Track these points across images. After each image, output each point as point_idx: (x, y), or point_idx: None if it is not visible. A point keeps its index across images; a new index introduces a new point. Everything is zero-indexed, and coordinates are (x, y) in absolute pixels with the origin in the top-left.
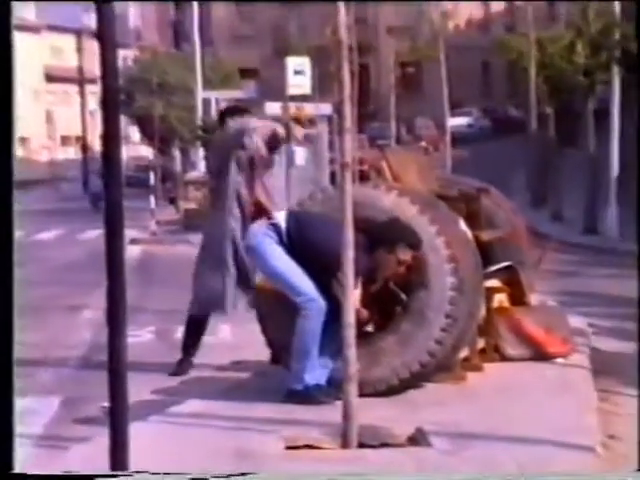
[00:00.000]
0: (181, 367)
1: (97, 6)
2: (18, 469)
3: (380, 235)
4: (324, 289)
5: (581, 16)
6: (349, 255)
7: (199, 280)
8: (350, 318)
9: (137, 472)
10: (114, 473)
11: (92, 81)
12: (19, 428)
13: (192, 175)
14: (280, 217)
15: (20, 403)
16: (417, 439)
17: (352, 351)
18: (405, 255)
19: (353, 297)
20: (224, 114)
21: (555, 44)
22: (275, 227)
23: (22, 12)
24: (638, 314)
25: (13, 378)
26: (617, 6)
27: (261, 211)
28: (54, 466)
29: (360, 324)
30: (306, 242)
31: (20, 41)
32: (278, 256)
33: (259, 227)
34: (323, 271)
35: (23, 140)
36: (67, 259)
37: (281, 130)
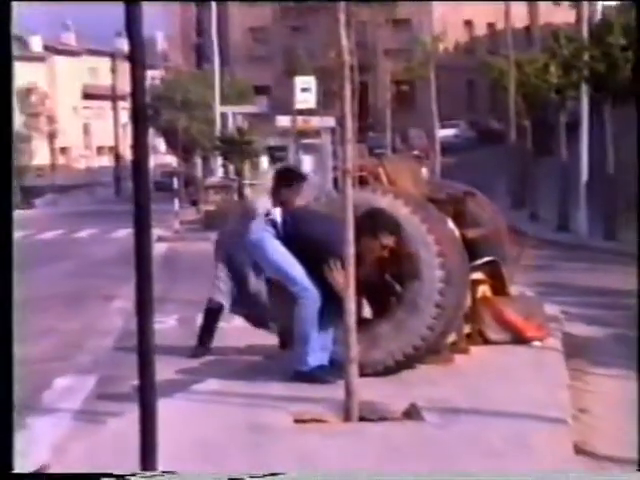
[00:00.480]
0: (199, 351)
1: (128, 32)
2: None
3: (363, 224)
4: (318, 277)
5: (554, 41)
6: (350, 251)
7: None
8: (351, 305)
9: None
10: (118, 473)
11: (123, 98)
12: (61, 403)
13: (211, 180)
14: (276, 213)
15: (61, 382)
16: (411, 414)
17: (353, 336)
18: (387, 240)
19: (338, 283)
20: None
21: (531, 65)
22: (272, 222)
23: (66, 39)
24: (638, 313)
25: (13, 379)
26: (585, 32)
27: (284, 202)
28: (92, 438)
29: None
30: (300, 233)
31: (62, 64)
32: (276, 249)
33: (259, 223)
34: (316, 259)
35: (64, 150)
36: (101, 255)
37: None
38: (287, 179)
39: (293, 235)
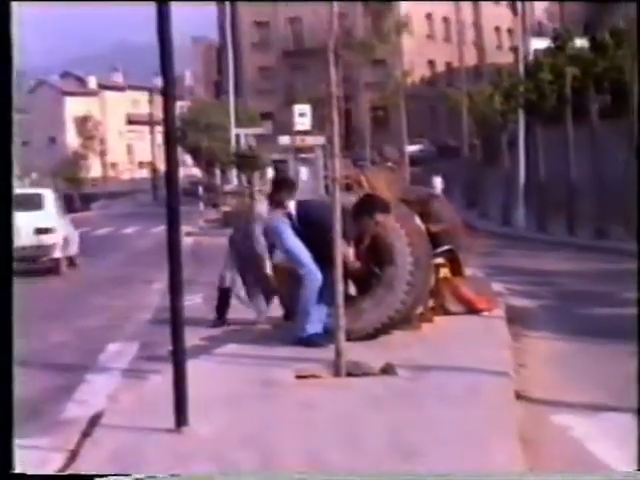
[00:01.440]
0: (218, 322)
1: (162, 71)
2: (19, 469)
3: (362, 206)
4: (321, 264)
5: (498, 76)
6: (338, 243)
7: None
8: (340, 287)
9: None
10: (114, 474)
11: (159, 123)
12: (113, 364)
13: (228, 187)
14: (291, 206)
15: (113, 347)
16: (387, 370)
17: (341, 310)
18: (380, 218)
19: (348, 256)
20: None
21: (480, 95)
22: (288, 215)
23: (114, 78)
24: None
25: (13, 379)
26: (521, 69)
27: (279, 203)
28: (137, 390)
29: (353, 273)
30: (310, 220)
31: (111, 97)
32: (290, 236)
33: (278, 214)
34: (320, 244)
35: (112, 165)
36: (142, 247)
37: None
38: (281, 185)
39: (304, 221)
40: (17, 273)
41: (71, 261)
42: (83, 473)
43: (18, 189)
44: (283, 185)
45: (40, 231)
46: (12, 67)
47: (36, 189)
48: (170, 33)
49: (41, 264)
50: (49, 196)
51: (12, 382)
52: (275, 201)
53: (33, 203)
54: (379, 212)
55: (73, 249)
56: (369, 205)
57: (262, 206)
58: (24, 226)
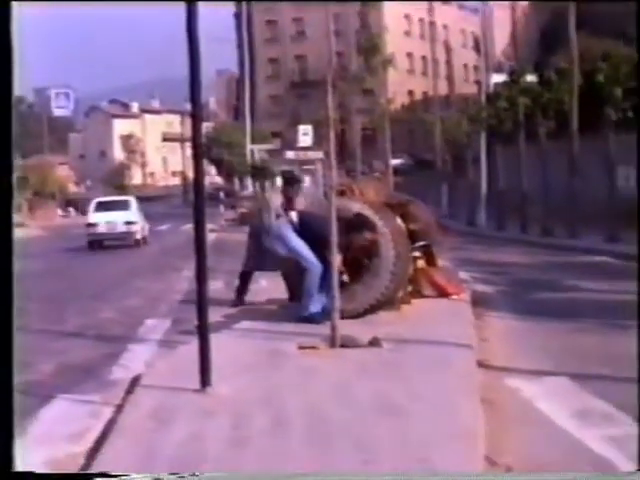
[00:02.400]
0: (236, 302)
1: (192, 98)
2: (21, 468)
3: (354, 225)
4: (319, 257)
5: (464, 104)
6: (334, 240)
7: (247, 252)
8: (335, 276)
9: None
10: (114, 473)
11: (188, 140)
12: (150, 335)
13: (244, 193)
14: (293, 215)
15: (150, 322)
16: (374, 343)
17: (336, 293)
18: (368, 235)
19: (337, 261)
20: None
21: (450, 119)
22: (291, 221)
23: (153, 104)
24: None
25: (13, 379)
26: (483, 99)
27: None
28: (170, 357)
29: (340, 273)
30: (309, 229)
31: (150, 119)
32: (293, 237)
33: (283, 221)
34: (318, 246)
35: (151, 174)
36: (174, 241)
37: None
38: (291, 182)
39: (305, 228)
40: (116, 247)
41: (144, 240)
42: (84, 473)
43: (115, 197)
44: (292, 181)
45: (128, 223)
46: (12, 67)
47: (125, 197)
48: (199, 67)
49: (129, 242)
50: (133, 201)
51: (12, 382)
52: (286, 195)
53: (124, 205)
54: (367, 230)
55: (145, 233)
56: (360, 224)
57: (275, 198)
58: (119, 219)
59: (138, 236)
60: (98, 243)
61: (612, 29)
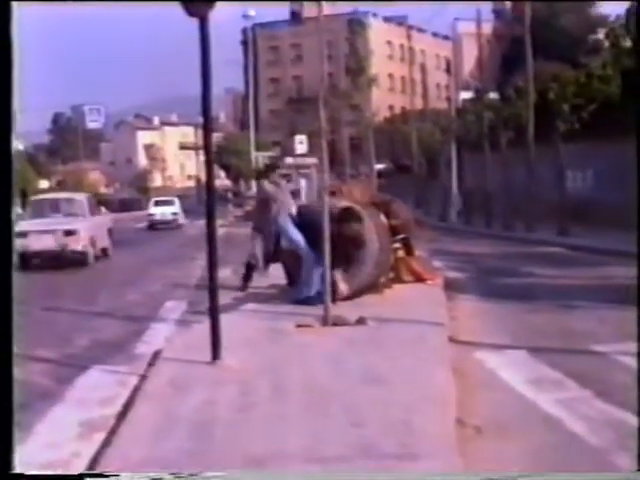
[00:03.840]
0: (242, 287)
1: (203, 113)
2: (20, 469)
3: (343, 216)
4: (314, 247)
5: (437, 117)
6: (327, 232)
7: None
8: (328, 263)
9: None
10: (120, 473)
11: (201, 148)
12: (169, 315)
13: (249, 193)
14: (294, 210)
15: (168, 304)
16: (361, 321)
17: (328, 279)
18: (355, 226)
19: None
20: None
21: (425, 131)
22: (291, 216)
23: (171, 118)
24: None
25: (13, 380)
26: (454, 112)
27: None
28: (186, 334)
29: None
30: (306, 220)
31: (168, 131)
32: (293, 230)
33: (284, 215)
34: (314, 236)
35: (169, 177)
36: (189, 234)
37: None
38: (270, 168)
39: (304, 220)
40: (162, 229)
41: (179, 226)
42: (84, 473)
43: (164, 197)
44: (270, 168)
45: (173, 214)
46: (12, 67)
47: (171, 197)
48: (210, 86)
49: (172, 227)
50: (177, 200)
51: (12, 382)
52: (271, 180)
53: (170, 203)
54: (354, 221)
55: (182, 221)
56: (348, 216)
57: (268, 186)
58: (167, 212)
59: (180, 221)
60: (155, 225)
61: (561, 55)
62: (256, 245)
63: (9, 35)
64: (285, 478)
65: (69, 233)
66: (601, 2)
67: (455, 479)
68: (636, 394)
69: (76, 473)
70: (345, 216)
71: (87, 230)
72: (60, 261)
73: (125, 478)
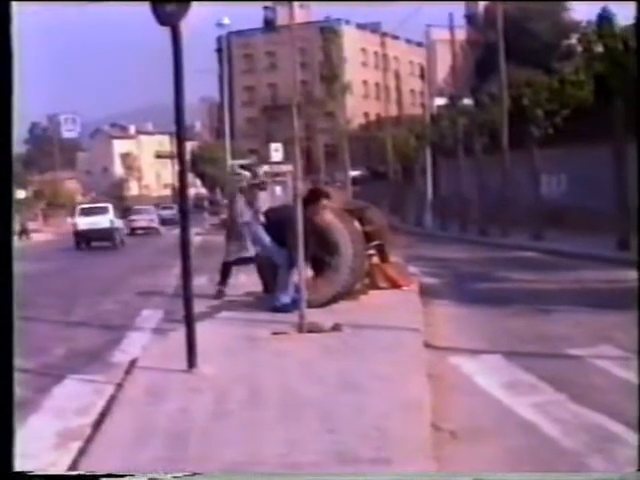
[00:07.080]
0: (218, 294)
1: (176, 121)
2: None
3: (311, 196)
4: (285, 250)
5: (412, 123)
6: (300, 238)
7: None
8: (302, 272)
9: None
10: (119, 473)
11: (175, 157)
12: (146, 324)
13: (225, 201)
14: (261, 216)
15: (145, 312)
16: (336, 328)
17: (303, 287)
18: (324, 202)
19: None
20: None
21: (400, 137)
22: (260, 220)
23: (147, 127)
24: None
25: (13, 380)
26: (428, 118)
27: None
28: (161, 342)
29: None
30: (275, 222)
31: (144, 140)
32: (263, 235)
33: (254, 220)
34: (284, 238)
35: (146, 186)
36: (164, 243)
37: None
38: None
39: (273, 222)
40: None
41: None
42: (85, 473)
43: (90, 204)
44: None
45: (110, 222)
46: (12, 67)
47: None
48: (183, 95)
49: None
50: (110, 207)
51: (12, 382)
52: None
53: (102, 211)
54: (323, 198)
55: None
56: (316, 194)
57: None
58: (99, 222)
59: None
60: (82, 238)
61: (534, 61)
62: (230, 252)
63: (9, 35)
64: (284, 478)
65: None
66: (573, 6)
67: (455, 479)
68: (610, 397)
69: (83, 473)
70: (310, 197)
71: None
72: None
73: (125, 478)
